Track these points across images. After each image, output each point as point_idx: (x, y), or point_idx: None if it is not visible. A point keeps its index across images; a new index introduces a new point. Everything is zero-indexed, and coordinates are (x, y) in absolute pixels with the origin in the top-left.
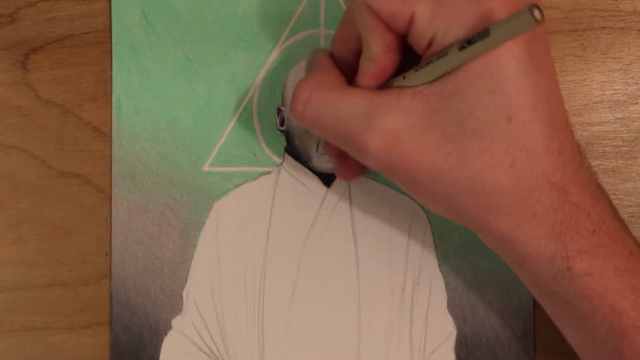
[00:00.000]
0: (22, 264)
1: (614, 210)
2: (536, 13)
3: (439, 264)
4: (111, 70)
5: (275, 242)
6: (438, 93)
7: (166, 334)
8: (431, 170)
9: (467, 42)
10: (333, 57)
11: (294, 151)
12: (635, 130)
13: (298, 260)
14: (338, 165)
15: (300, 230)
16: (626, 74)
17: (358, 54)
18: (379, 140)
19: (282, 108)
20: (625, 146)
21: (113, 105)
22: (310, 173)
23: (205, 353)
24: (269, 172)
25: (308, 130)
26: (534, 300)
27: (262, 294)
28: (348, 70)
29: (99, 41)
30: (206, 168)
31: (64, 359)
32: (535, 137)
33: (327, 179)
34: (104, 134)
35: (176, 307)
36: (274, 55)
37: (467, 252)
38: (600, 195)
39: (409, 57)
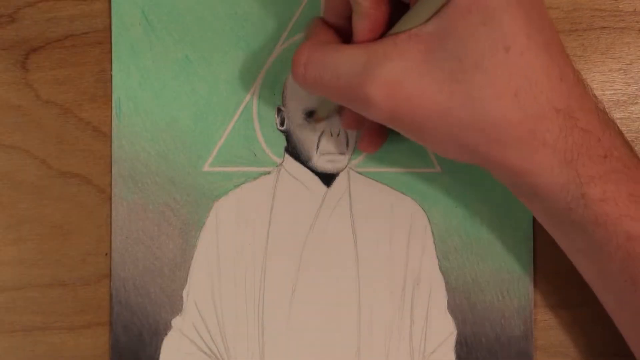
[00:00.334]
0: (22, 264)
1: (624, 138)
2: None
3: (439, 264)
4: (111, 70)
5: (275, 242)
6: (432, 32)
7: (166, 334)
8: (437, 112)
9: None
10: (327, 24)
11: (294, 151)
12: (635, 130)
13: (298, 260)
14: (360, 138)
15: (300, 230)
16: (626, 74)
17: (350, 18)
18: (381, 89)
19: (282, 108)
20: None
21: (113, 105)
22: (310, 173)
23: (205, 353)
24: (269, 172)
25: (308, 127)
26: (534, 300)
27: (262, 294)
28: (343, 37)
29: (99, 41)
30: (206, 168)
31: (64, 359)
32: (535, 64)
33: (327, 179)
34: (104, 134)
35: (176, 307)
36: (274, 55)
37: (467, 252)
38: (608, 120)
39: (402, 12)
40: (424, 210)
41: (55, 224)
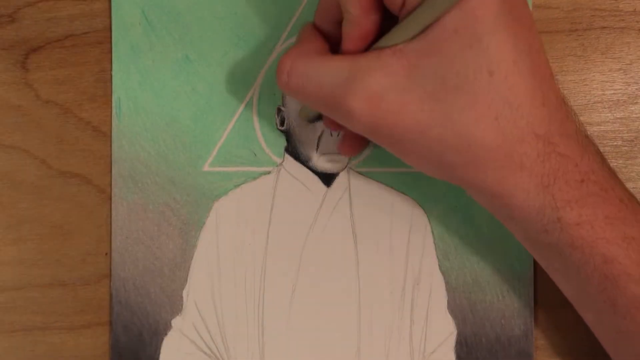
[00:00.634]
0: (22, 264)
1: (602, 160)
2: None
3: (439, 264)
4: (111, 70)
5: (275, 242)
6: (417, 50)
7: (166, 334)
8: (416, 129)
9: None
10: (317, 29)
11: (294, 151)
12: (635, 130)
13: (298, 260)
14: (340, 140)
15: (300, 230)
16: (626, 74)
17: (340, 23)
18: (362, 102)
19: (282, 108)
20: (625, 146)
21: (113, 105)
22: (310, 173)
23: (205, 353)
24: (269, 172)
25: (308, 127)
26: (534, 300)
27: (262, 294)
28: (333, 43)
29: (99, 41)
30: (206, 168)
31: (64, 359)
32: (518, 90)
33: (327, 179)
34: (103, 134)
35: (176, 307)
36: (274, 55)
37: (467, 252)
38: (588, 144)
39: (394, 22)
40: (424, 210)
41: (55, 224)
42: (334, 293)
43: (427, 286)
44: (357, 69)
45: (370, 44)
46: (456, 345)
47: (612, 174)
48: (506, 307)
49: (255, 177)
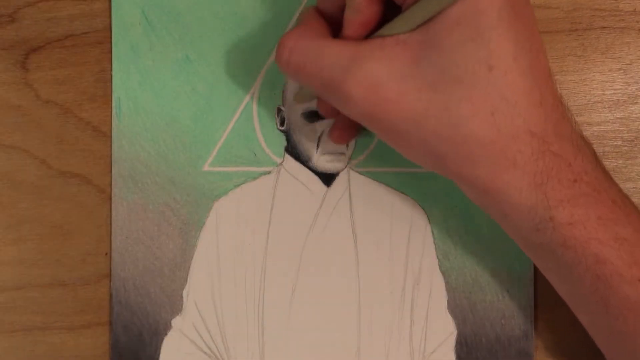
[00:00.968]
0: (22, 264)
1: (597, 161)
2: None
3: (439, 264)
4: (111, 70)
5: (275, 242)
6: (420, 41)
7: (166, 334)
8: (412, 118)
9: None
10: (320, 13)
11: (294, 151)
12: (635, 130)
13: (298, 260)
14: (332, 127)
15: (300, 230)
16: (626, 74)
17: (343, 8)
18: (361, 88)
19: (282, 108)
20: (625, 146)
21: (113, 105)
22: (310, 173)
23: (205, 353)
24: (269, 172)
25: (308, 127)
26: (534, 300)
27: (262, 294)
28: (334, 27)
29: (99, 41)
30: (206, 168)
31: (64, 359)
32: (516, 87)
33: (327, 179)
34: (103, 134)
35: (176, 307)
36: (274, 55)
37: (467, 252)
38: (583, 146)
39: (394, 11)
40: (424, 210)
41: (55, 224)
42: (334, 293)
43: (427, 286)
44: (359, 55)
45: (371, 32)
46: (456, 345)
47: (606, 175)
48: (506, 307)
49: (255, 177)
